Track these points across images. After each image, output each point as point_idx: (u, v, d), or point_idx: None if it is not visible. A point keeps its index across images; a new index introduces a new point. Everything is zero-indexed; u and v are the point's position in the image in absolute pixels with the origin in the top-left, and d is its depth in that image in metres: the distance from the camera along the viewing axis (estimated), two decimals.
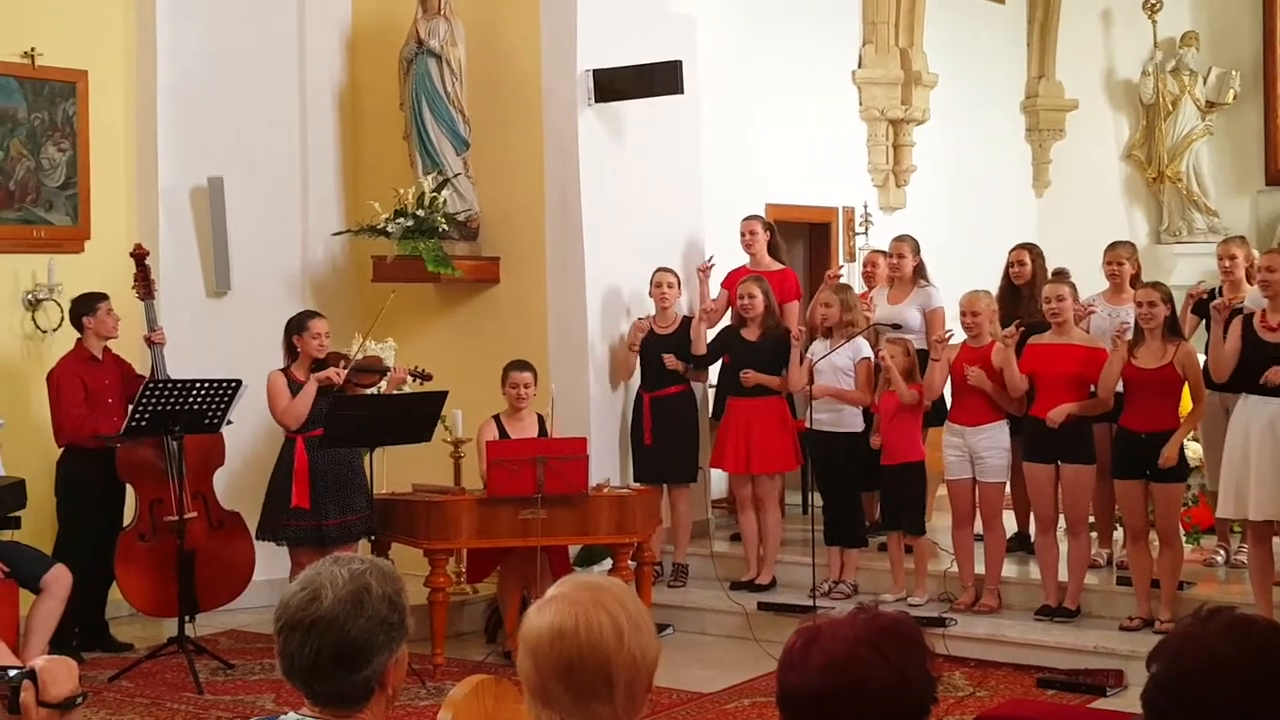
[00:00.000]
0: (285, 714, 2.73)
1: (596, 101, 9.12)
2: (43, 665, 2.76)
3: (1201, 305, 8.23)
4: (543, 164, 9.22)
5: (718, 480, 9.71)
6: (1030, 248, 9.03)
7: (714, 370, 9.42)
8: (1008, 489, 8.47)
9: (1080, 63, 13.63)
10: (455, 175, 9.20)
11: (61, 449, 8.16)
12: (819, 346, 8.58)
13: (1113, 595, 8.17)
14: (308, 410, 7.86)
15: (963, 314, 8.18)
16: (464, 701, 3.31)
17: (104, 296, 8.25)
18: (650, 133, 9.40)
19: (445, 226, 9.06)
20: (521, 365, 8.23)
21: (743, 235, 9.40)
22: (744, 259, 9.43)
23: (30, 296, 8.73)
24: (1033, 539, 8.44)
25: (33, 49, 8.68)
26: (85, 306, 8.22)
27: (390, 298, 8.47)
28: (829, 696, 2.25)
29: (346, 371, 7.98)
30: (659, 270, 9.07)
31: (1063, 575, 8.08)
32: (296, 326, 8.02)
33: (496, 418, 8.23)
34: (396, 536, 8.09)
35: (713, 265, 9.29)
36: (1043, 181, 13.78)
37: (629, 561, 8.07)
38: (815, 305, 8.80)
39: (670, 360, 8.92)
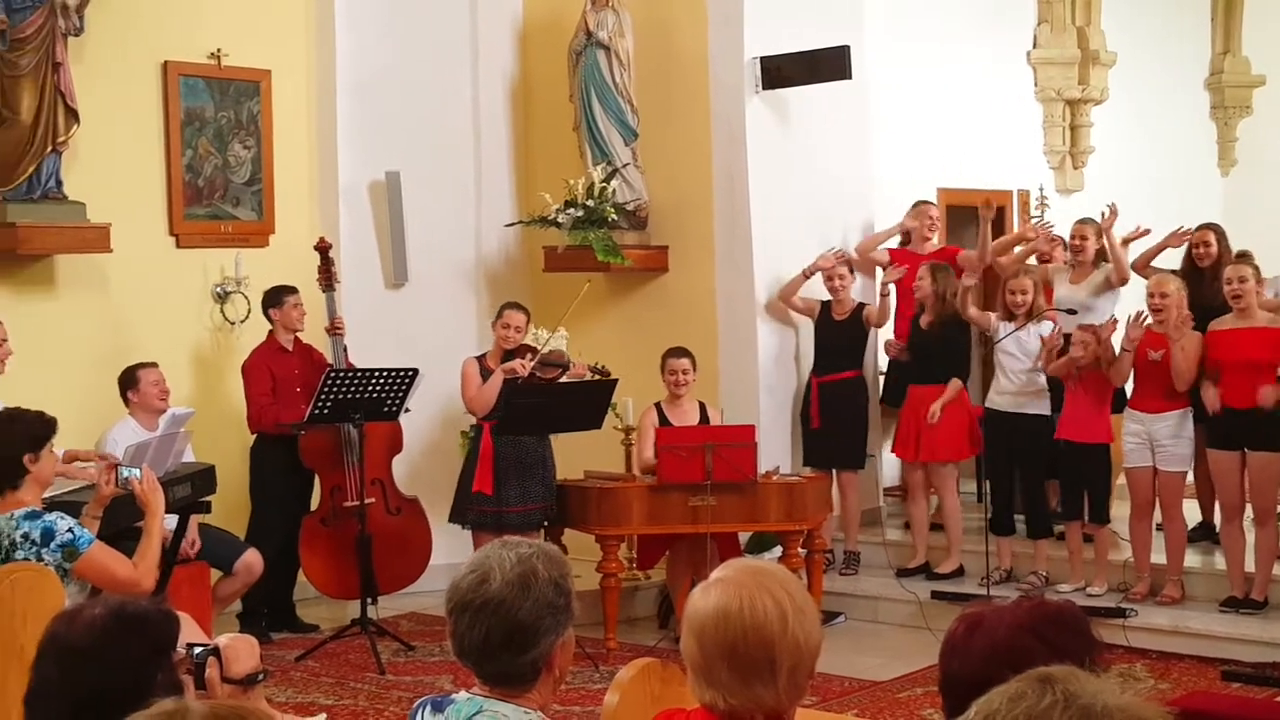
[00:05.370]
0: (458, 693, 2.82)
1: (764, 89, 9.10)
2: (226, 643, 2.89)
3: None
4: (711, 152, 9.23)
5: (890, 467, 9.63)
6: (1215, 228, 8.76)
7: (883, 357, 9.37)
8: (1189, 478, 8.25)
9: (1268, 37, 13.16)
10: (624, 165, 9.26)
11: (254, 436, 8.44)
12: (1001, 326, 8.46)
13: None
14: (494, 398, 8.04)
15: (1150, 295, 7.97)
16: (630, 684, 3.37)
17: (293, 290, 8.47)
18: (818, 118, 9.34)
19: (614, 216, 9.13)
20: (679, 352, 8.28)
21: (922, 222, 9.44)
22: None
23: (219, 289, 9.02)
24: (1217, 528, 8.22)
25: (219, 50, 8.96)
26: (273, 299, 8.46)
27: (585, 287, 8.64)
28: (990, 683, 2.22)
29: (532, 364, 8.11)
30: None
31: (1249, 566, 7.86)
32: (496, 315, 8.25)
33: (658, 405, 8.29)
34: (569, 522, 8.19)
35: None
36: (1229, 160, 13.35)
37: (799, 549, 8.06)
38: (1007, 289, 8.56)
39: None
